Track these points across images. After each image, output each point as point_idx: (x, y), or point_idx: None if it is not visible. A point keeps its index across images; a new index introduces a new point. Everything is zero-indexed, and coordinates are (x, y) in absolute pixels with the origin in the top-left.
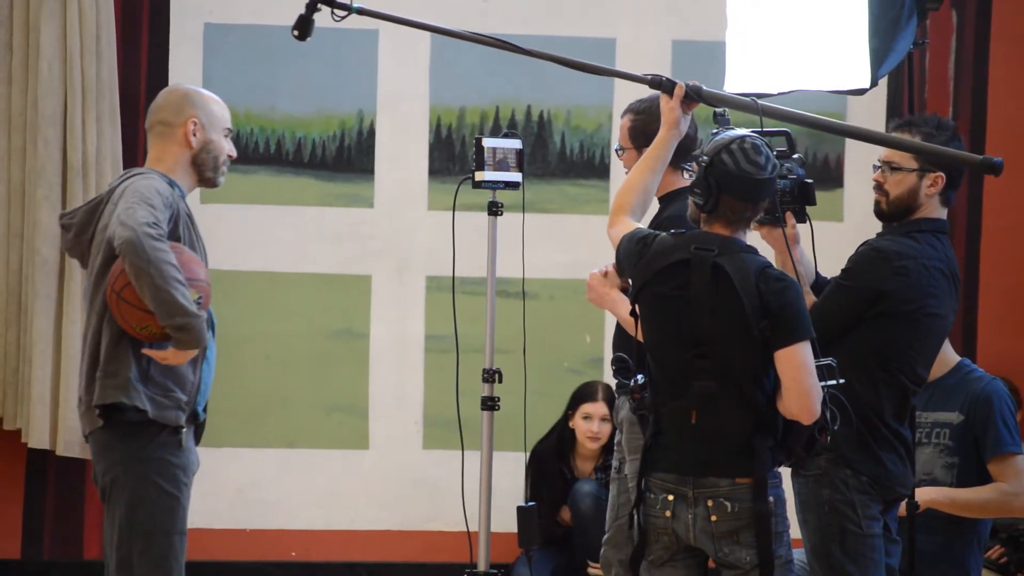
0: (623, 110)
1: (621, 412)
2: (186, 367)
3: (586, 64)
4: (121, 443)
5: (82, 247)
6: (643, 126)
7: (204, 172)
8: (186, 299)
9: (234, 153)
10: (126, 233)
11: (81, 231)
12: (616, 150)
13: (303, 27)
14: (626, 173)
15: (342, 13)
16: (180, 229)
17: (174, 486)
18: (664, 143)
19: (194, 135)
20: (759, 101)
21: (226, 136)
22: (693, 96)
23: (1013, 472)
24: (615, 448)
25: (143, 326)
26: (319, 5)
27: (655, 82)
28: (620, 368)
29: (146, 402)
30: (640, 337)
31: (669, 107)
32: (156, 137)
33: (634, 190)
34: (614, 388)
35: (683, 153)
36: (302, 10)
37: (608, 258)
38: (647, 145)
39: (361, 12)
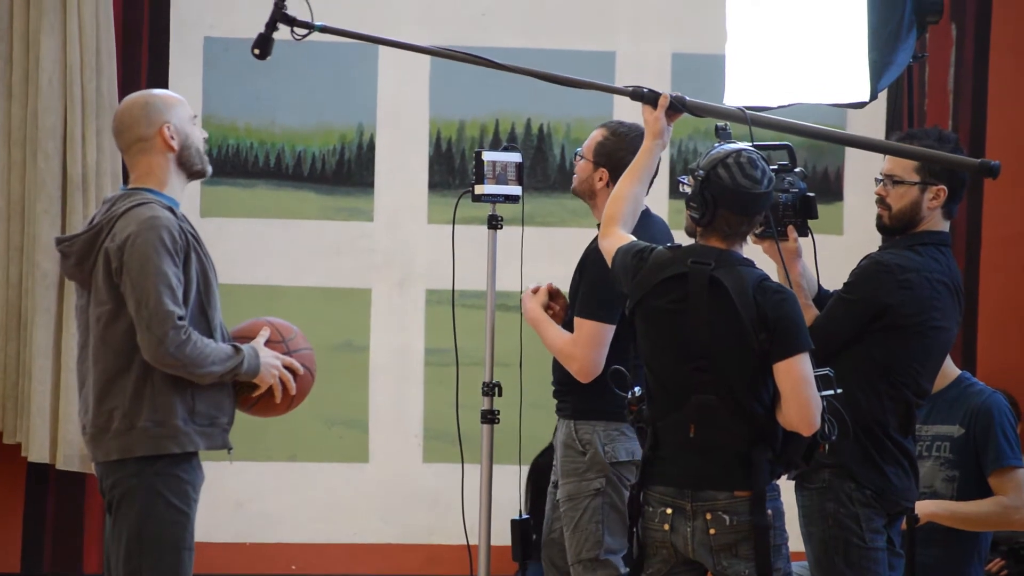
0: (603, 122)
1: (558, 435)
2: (225, 389)
3: (564, 77)
4: (134, 458)
5: (83, 274)
6: (612, 148)
7: (192, 167)
8: (222, 361)
9: (205, 135)
10: (152, 352)
11: (81, 259)
12: (575, 152)
13: (263, 45)
14: (574, 177)
15: (302, 32)
16: (192, 260)
17: (184, 502)
18: (648, 152)
19: (172, 138)
20: (747, 111)
21: (195, 124)
22: (677, 107)
23: (1014, 485)
24: (553, 464)
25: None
26: (279, 24)
27: (636, 94)
28: (618, 381)
29: (197, 441)
30: (570, 366)
31: (653, 117)
32: (136, 155)
33: (623, 199)
34: (555, 409)
35: None
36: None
37: None
38: (605, 166)
39: (324, 30)
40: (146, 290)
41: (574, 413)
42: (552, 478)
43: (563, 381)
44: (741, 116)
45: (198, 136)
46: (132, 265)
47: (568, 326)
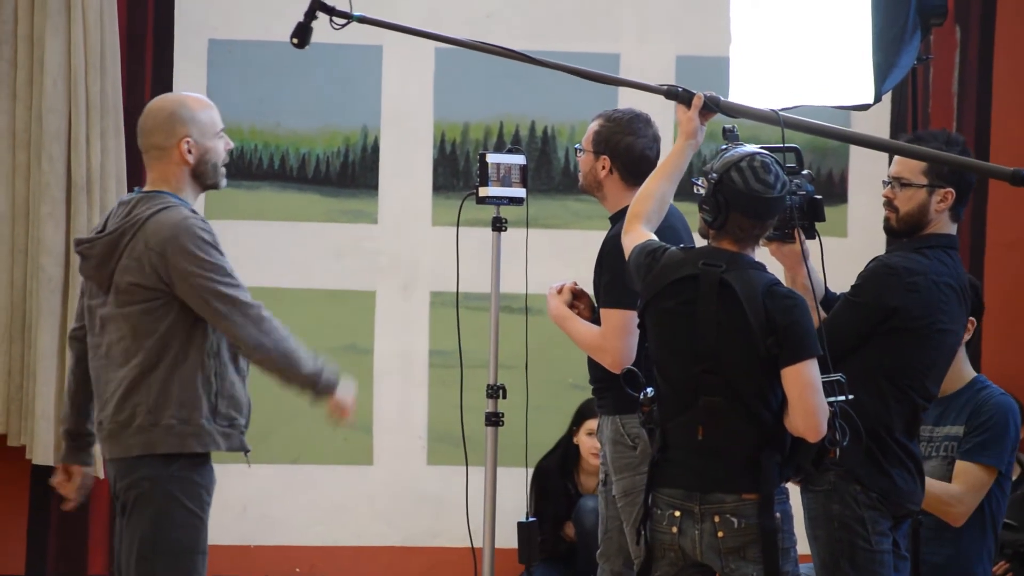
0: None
1: (604, 432)
2: (242, 390)
3: (603, 75)
4: (152, 459)
5: (102, 276)
6: (608, 134)
7: (206, 180)
8: (306, 359)
9: (231, 145)
10: (258, 353)
11: (102, 262)
12: (576, 148)
13: (302, 34)
14: (578, 173)
15: (341, 21)
16: None
17: (199, 505)
18: (680, 153)
19: (189, 152)
20: (780, 112)
21: (219, 138)
22: (711, 107)
23: (970, 480)
24: (601, 462)
25: None
26: (318, 13)
27: (671, 93)
28: (630, 382)
29: (219, 441)
30: (603, 359)
31: (687, 117)
32: (153, 160)
33: (650, 197)
34: (595, 407)
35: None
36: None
37: None
38: (605, 152)
39: (362, 20)
40: (209, 289)
41: (617, 408)
42: (600, 475)
43: (601, 378)
44: (774, 118)
45: (220, 150)
46: (180, 267)
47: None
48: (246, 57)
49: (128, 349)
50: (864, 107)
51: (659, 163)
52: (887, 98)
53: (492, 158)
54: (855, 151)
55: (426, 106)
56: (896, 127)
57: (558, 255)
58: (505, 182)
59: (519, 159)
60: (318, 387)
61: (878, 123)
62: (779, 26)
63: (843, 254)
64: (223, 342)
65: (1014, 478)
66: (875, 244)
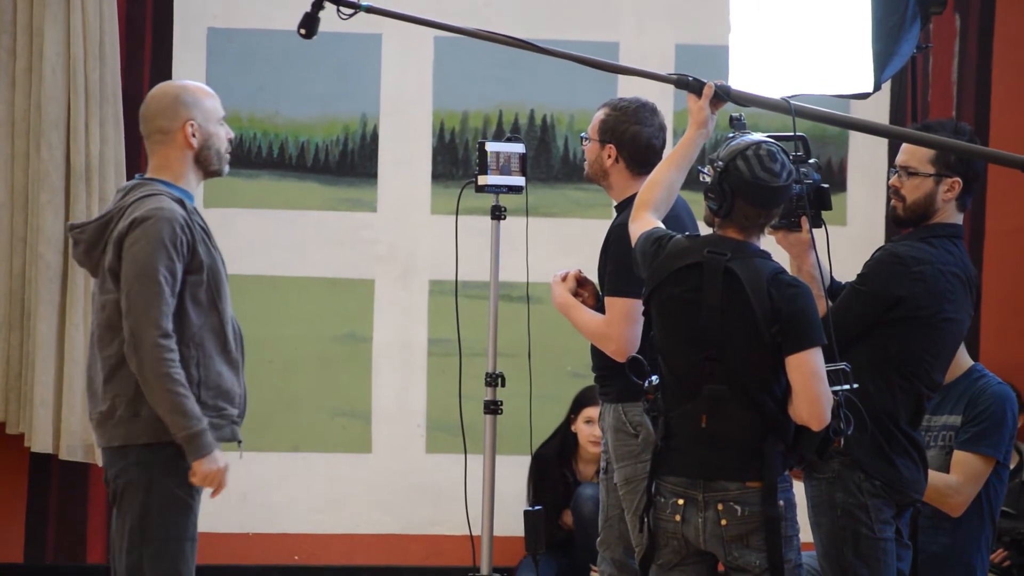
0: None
1: (606, 420)
2: (233, 380)
3: (613, 64)
4: (137, 448)
5: (92, 261)
6: (614, 122)
7: (209, 167)
8: (193, 407)
9: (231, 134)
10: (135, 354)
11: (91, 247)
12: (581, 136)
13: (309, 25)
14: (584, 163)
15: (348, 11)
16: (200, 253)
17: (187, 492)
18: (691, 142)
19: (193, 136)
20: (792, 101)
21: (221, 125)
22: (722, 96)
23: (968, 471)
24: (602, 450)
25: None
26: (325, 3)
27: (681, 82)
28: (635, 369)
29: None
30: (607, 347)
31: (698, 107)
32: (156, 145)
33: (659, 185)
34: (597, 394)
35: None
36: (308, 9)
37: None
38: (611, 141)
39: (370, 10)
40: (135, 298)
41: (620, 396)
42: (601, 464)
43: (604, 365)
44: (785, 107)
45: (222, 136)
46: (128, 259)
47: (602, 312)
48: (245, 45)
49: (103, 338)
50: (863, 96)
51: (670, 152)
52: (886, 87)
53: (491, 146)
54: (855, 140)
55: (425, 94)
56: (895, 116)
57: (557, 243)
58: (504, 170)
59: (518, 147)
60: (191, 441)
61: (877, 112)
62: (778, 14)
63: (843, 242)
64: (206, 331)
65: (1012, 466)
66: (874, 233)
